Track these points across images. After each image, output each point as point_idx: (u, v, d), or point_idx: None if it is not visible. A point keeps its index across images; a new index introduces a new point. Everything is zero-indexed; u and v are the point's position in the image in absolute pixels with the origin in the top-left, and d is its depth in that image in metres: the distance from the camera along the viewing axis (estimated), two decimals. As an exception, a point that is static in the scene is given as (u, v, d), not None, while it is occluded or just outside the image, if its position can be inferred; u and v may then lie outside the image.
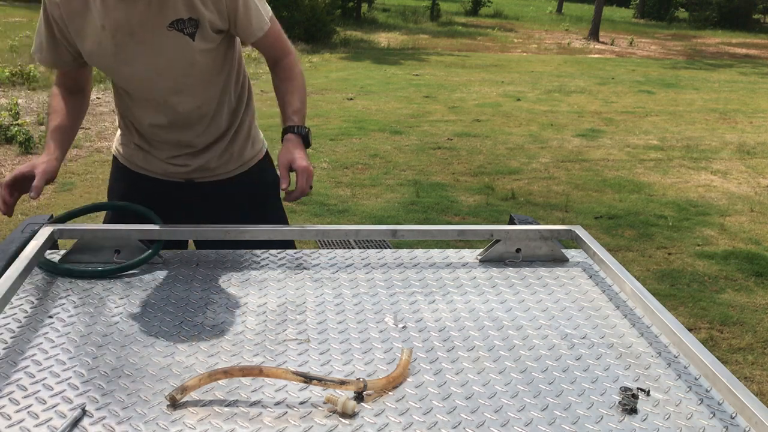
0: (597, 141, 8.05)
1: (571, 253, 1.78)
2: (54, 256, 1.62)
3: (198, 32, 1.73)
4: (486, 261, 1.73)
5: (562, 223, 5.13)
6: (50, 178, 1.63)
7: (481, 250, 1.76)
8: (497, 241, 1.73)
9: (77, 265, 1.59)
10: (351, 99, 10.11)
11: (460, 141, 7.77)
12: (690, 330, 3.74)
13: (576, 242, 1.76)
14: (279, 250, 1.73)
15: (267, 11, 1.84)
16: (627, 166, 7.02)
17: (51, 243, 1.59)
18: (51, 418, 1.07)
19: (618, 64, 16.06)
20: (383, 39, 18.54)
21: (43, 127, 7.47)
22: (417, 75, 12.80)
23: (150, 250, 1.61)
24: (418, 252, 1.78)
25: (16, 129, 6.75)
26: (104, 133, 7.58)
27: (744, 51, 20.66)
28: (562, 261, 1.74)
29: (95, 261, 1.61)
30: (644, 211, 5.66)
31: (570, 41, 20.50)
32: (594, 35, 21.29)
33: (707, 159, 7.44)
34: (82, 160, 6.54)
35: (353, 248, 1.80)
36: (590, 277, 1.67)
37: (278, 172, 1.73)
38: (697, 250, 4.85)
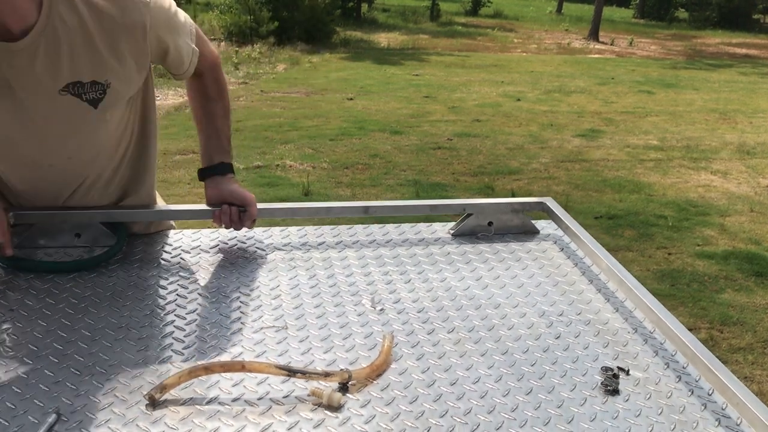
0: (597, 141, 8.05)
1: (541, 224, 1.78)
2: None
3: (106, 99, 1.38)
4: (458, 235, 1.72)
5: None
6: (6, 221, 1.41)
7: (453, 224, 1.75)
8: (469, 215, 1.72)
9: (34, 251, 1.47)
10: (351, 99, 10.11)
11: (460, 141, 7.77)
12: (690, 330, 3.75)
13: (547, 214, 1.76)
14: (246, 229, 1.62)
15: (191, 33, 1.52)
16: (627, 166, 7.01)
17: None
18: (23, 425, 1.00)
19: (618, 64, 16.05)
20: (383, 39, 18.53)
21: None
22: (417, 75, 12.80)
23: (116, 242, 1.49)
24: (390, 227, 1.75)
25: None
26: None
27: (744, 51, 20.65)
28: (533, 233, 1.75)
29: (54, 245, 1.51)
30: (644, 211, 5.66)
31: (570, 41, 20.49)
32: (594, 35, 21.28)
33: (707, 159, 7.44)
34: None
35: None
36: (561, 249, 1.67)
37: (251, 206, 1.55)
38: (697, 250, 4.85)
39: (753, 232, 5.27)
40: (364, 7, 23.93)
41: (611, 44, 20.35)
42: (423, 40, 18.81)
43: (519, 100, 10.53)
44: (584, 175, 6.61)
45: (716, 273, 4.47)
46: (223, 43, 15.41)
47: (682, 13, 31.22)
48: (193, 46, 1.53)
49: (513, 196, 5.83)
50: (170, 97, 9.44)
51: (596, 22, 21.55)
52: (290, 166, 6.54)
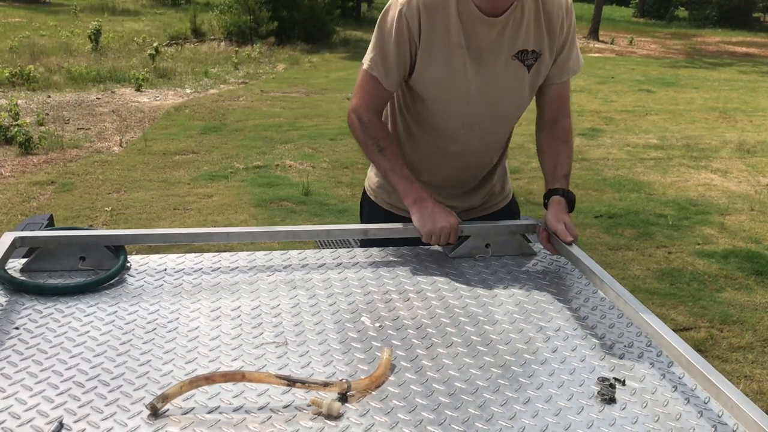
0: (597, 140, 8.05)
1: (538, 246, 1.80)
2: (16, 264, 1.55)
3: (535, 65, 1.72)
4: (456, 257, 1.73)
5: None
6: None
7: (452, 246, 1.76)
8: (467, 237, 1.73)
9: (39, 274, 1.52)
10: (351, 99, 10.10)
11: (460, 140, 7.77)
12: (690, 329, 3.76)
13: None
14: (249, 252, 1.71)
15: (578, 65, 1.83)
16: (627, 165, 7.02)
17: (12, 252, 1.52)
18: None
19: (618, 63, 16.05)
20: (383, 38, 18.51)
21: (42, 128, 7.47)
22: (417, 74, 12.79)
23: (118, 263, 1.54)
24: (389, 250, 1.77)
25: (16, 129, 6.76)
26: (104, 134, 7.59)
27: (744, 50, 20.65)
28: (530, 255, 1.76)
29: (59, 269, 1.54)
30: (644, 210, 5.66)
31: (570, 40, 20.50)
32: (594, 34, 21.28)
33: (707, 158, 7.44)
34: (81, 161, 6.55)
35: (323, 248, 1.77)
36: (558, 269, 1.69)
37: (553, 228, 1.66)
38: (697, 249, 4.85)
39: (753, 231, 5.27)
40: (364, 6, 23.94)
41: (611, 43, 20.35)
42: (423, 40, 18.79)
43: (519, 99, 10.53)
44: (584, 174, 6.62)
45: (716, 272, 4.47)
46: (223, 43, 15.42)
47: (682, 12, 31.22)
48: (580, 66, 1.82)
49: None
50: (170, 97, 9.43)
51: (596, 21, 21.54)
52: (290, 166, 6.55)
